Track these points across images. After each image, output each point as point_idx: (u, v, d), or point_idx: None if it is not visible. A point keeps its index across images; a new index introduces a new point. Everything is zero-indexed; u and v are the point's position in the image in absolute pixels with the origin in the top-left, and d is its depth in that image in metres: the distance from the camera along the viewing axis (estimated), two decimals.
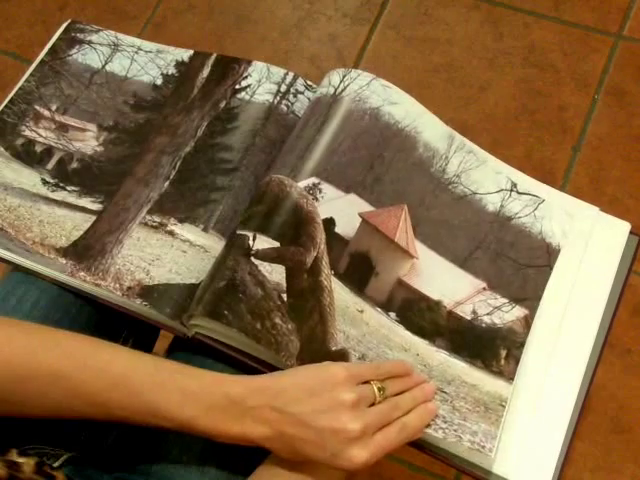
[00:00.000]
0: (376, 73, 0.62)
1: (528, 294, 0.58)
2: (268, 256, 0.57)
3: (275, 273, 0.56)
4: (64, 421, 0.61)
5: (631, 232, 0.61)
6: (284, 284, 0.56)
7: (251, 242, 0.57)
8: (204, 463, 0.57)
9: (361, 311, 0.57)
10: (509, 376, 0.55)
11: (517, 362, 0.56)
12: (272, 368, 0.54)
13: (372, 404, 0.50)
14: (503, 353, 0.56)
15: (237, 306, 0.54)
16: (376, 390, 0.50)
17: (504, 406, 0.53)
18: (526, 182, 0.63)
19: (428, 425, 0.52)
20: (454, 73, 1.26)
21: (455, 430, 0.52)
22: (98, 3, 1.39)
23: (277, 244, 0.57)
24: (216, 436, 0.49)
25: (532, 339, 0.56)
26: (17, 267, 0.63)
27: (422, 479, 1.02)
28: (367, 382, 0.51)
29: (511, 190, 0.63)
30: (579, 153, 1.17)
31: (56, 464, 0.57)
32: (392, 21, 1.31)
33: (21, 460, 0.51)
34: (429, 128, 0.63)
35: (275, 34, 1.33)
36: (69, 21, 0.75)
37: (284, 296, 0.56)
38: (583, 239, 0.60)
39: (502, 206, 0.62)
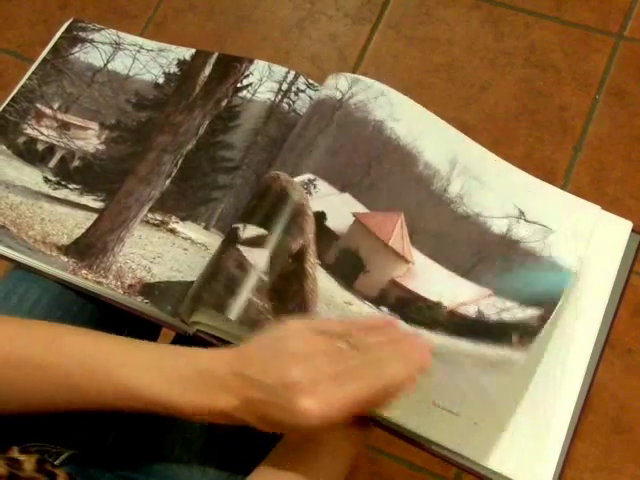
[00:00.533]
0: (377, 73, 0.63)
1: (543, 301, 0.57)
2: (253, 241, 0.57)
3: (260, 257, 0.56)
4: (65, 419, 0.61)
5: (633, 231, 0.61)
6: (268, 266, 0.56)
7: (240, 232, 0.57)
8: (205, 462, 0.57)
9: (349, 303, 0.57)
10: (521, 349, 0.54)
11: (532, 339, 0.54)
12: None
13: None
14: (515, 338, 0.55)
15: (230, 296, 0.54)
16: (337, 342, 0.46)
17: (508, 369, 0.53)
18: (534, 209, 0.61)
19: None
20: (455, 73, 1.26)
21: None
22: (99, 2, 1.39)
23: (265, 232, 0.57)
24: (187, 411, 0.47)
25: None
26: (19, 265, 0.63)
27: (422, 478, 1.02)
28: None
29: (518, 217, 0.62)
30: (580, 153, 1.17)
31: (57, 462, 0.57)
32: (393, 21, 1.31)
33: (22, 458, 0.51)
34: (430, 150, 0.63)
35: (276, 34, 1.33)
36: (71, 20, 0.75)
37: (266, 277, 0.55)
38: (584, 238, 0.60)
39: (509, 230, 0.61)
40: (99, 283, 0.60)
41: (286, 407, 0.44)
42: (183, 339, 0.59)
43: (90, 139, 0.69)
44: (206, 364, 0.47)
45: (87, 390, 0.48)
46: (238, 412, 0.46)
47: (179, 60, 0.72)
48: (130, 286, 0.60)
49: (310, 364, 0.44)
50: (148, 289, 0.59)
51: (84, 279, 0.60)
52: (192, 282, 0.59)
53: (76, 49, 0.73)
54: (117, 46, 0.73)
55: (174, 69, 0.72)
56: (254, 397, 0.45)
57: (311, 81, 0.69)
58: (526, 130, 1.20)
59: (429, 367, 0.46)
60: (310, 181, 0.60)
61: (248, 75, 0.69)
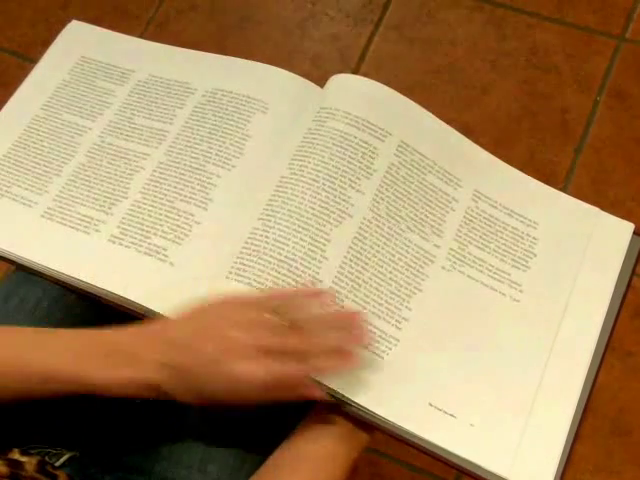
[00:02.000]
0: (378, 74, 0.62)
1: None
2: None
3: None
4: (66, 420, 0.61)
5: (635, 233, 0.61)
6: None
7: None
8: (205, 463, 0.57)
9: None
10: None
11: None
12: None
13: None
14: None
15: None
16: (274, 317, 0.45)
17: None
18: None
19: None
20: (456, 74, 1.26)
21: None
22: (100, 2, 1.39)
23: None
24: (110, 388, 0.46)
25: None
26: (19, 267, 0.63)
27: None
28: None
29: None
30: (581, 155, 1.17)
31: (57, 463, 0.57)
32: (394, 22, 1.31)
33: (23, 459, 0.51)
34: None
35: (277, 34, 1.33)
36: (71, 21, 0.75)
37: None
38: (584, 240, 0.60)
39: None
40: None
41: (224, 372, 0.43)
42: None
43: None
44: (127, 338, 0.47)
45: (12, 380, 0.48)
46: (165, 384, 0.45)
47: None
48: None
49: (250, 333, 0.44)
50: None
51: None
52: None
53: None
54: None
55: None
56: (180, 362, 0.44)
57: None
58: (527, 132, 1.20)
59: (368, 342, 0.48)
60: None
61: None
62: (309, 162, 0.58)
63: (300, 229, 0.55)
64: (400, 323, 0.55)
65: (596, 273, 0.59)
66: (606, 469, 1.00)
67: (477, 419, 0.53)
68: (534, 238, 0.60)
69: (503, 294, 0.58)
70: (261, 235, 0.56)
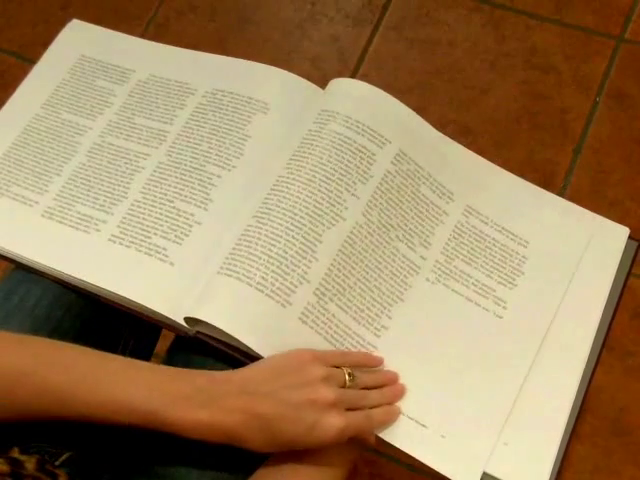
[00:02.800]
0: (378, 75, 0.62)
1: None
2: None
3: None
4: (65, 420, 0.61)
5: (630, 237, 0.61)
6: None
7: None
8: (205, 464, 0.57)
9: None
10: None
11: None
12: None
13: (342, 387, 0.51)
14: None
15: None
16: (346, 374, 0.51)
17: None
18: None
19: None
20: (455, 75, 1.26)
21: None
22: (100, 3, 1.39)
23: None
24: (185, 428, 0.48)
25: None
26: (19, 266, 0.63)
27: None
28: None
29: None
30: (580, 155, 1.17)
31: (57, 462, 0.57)
32: (394, 22, 1.31)
33: (23, 458, 0.51)
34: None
35: (277, 35, 1.33)
36: (72, 21, 0.75)
37: None
38: (579, 246, 0.60)
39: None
40: None
41: (306, 421, 0.47)
42: (183, 340, 0.59)
43: None
44: (209, 382, 0.49)
45: (87, 404, 0.50)
46: (242, 428, 0.48)
47: None
48: None
49: (333, 387, 0.49)
50: None
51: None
52: None
53: None
54: None
55: None
56: (264, 412, 0.48)
57: None
58: (526, 132, 1.20)
59: (399, 415, 0.53)
60: None
61: None
62: (307, 163, 0.58)
63: (293, 227, 0.55)
64: (379, 331, 0.56)
65: (591, 276, 0.59)
66: (605, 469, 1.00)
67: (449, 430, 0.53)
68: (523, 257, 0.59)
69: (486, 310, 0.57)
70: (254, 232, 0.56)
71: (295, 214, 0.56)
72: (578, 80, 1.22)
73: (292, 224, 0.55)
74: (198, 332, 0.56)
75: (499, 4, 1.30)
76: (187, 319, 0.56)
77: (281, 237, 0.55)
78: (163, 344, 0.70)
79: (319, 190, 0.57)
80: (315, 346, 0.53)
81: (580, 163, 1.16)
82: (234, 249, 0.56)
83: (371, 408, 0.52)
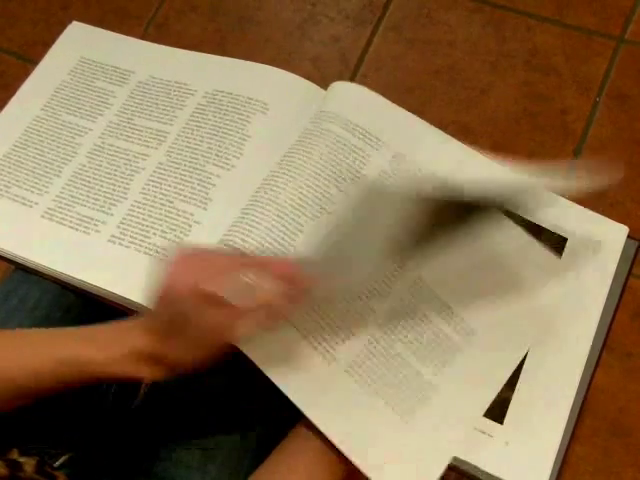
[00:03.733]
0: (378, 75, 0.62)
1: None
2: None
3: None
4: (65, 421, 0.61)
5: (629, 236, 0.61)
6: None
7: None
8: (205, 464, 0.57)
9: None
10: None
11: None
12: None
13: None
14: None
15: None
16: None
17: None
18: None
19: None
20: (456, 75, 1.26)
21: None
22: (101, 3, 1.39)
23: None
24: (113, 367, 0.49)
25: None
26: (19, 266, 0.63)
27: None
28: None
29: None
30: (580, 156, 1.17)
31: (56, 464, 0.57)
32: (394, 23, 1.31)
33: (22, 460, 0.51)
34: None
35: (278, 35, 1.33)
36: (72, 23, 0.75)
37: None
38: (577, 242, 0.60)
39: None
40: None
41: (225, 324, 0.46)
42: None
43: None
44: (126, 324, 0.50)
45: (32, 363, 0.50)
46: (158, 346, 0.48)
47: None
48: None
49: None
50: None
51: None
52: None
53: None
54: None
55: None
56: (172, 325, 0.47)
57: None
58: (527, 133, 1.20)
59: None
60: None
61: None
62: (298, 158, 0.58)
63: (275, 217, 0.55)
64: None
65: (590, 275, 0.59)
66: (605, 470, 1.00)
67: (512, 437, 0.53)
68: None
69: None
70: (238, 222, 0.56)
71: (279, 204, 0.56)
72: (578, 81, 1.22)
73: (274, 213, 0.56)
74: None
75: (499, 5, 1.30)
76: None
77: (261, 224, 0.55)
78: None
79: (306, 184, 0.57)
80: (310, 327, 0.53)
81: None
82: (220, 240, 0.56)
83: None
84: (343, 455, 0.52)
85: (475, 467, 0.52)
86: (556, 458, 0.52)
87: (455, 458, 0.52)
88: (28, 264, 0.61)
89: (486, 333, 0.57)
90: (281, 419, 0.55)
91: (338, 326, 0.54)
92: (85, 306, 0.63)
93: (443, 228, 0.49)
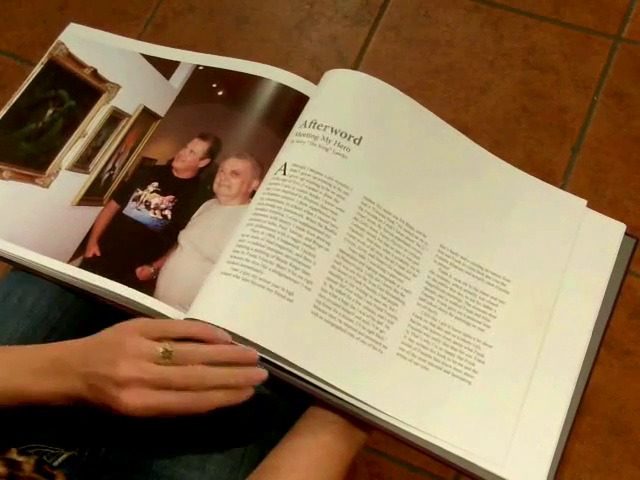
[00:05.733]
0: (376, 74, 0.62)
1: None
2: None
3: None
4: (63, 420, 0.61)
5: (627, 234, 0.60)
6: None
7: None
8: (204, 462, 0.57)
9: None
10: None
11: None
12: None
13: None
14: None
15: None
16: (160, 349, 0.49)
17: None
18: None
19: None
20: (454, 75, 1.26)
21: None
22: (98, 3, 1.39)
23: None
24: (44, 399, 0.51)
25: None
26: (17, 266, 0.63)
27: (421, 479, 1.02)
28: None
29: None
30: (578, 154, 1.17)
31: (55, 463, 0.57)
32: (392, 22, 1.31)
33: (21, 459, 0.51)
34: None
35: (276, 35, 1.33)
36: (70, 25, 0.75)
37: None
38: (571, 234, 0.60)
39: None
40: None
41: (111, 396, 0.48)
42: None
43: None
44: (59, 354, 0.52)
45: None
46: (84, 395, 0.50)
47: None
48: None
49: (136, 364, 0.49)
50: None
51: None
52: None
53: None
54: None
55: None
56: (92, 383, 0.49)
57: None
58: (525, 132, 1.20)
59: (263, 379, 0.50)
60: None
61: None
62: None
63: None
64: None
65: (587, 273, 0.58)
66: (605, 468, 1.00)
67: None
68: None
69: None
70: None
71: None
72: (576, 79, 1.22)
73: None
74: None
75: (497, 4, 1.30)
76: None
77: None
78: None
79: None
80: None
81: (579, 162, 1.16)
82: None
83: (218, 386, 0.49)
84: (345, 450, 0.52)
85: (474, 465, 0.52)
86: (555, 455, 0.52)
87: (455, 456, 0.52)
88: (26, 264, 0.61)
89: (519, 277, 0.58)
90: (281, 417, 0.55)
91: (379, 315, 0.55)
92: (84, 306, 0.63)
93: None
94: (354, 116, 0.60)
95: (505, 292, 0.57)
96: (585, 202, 0.61)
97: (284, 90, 0.66)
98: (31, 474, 0.49)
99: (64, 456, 0.58)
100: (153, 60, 0.71)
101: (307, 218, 0.55)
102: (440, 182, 0.60)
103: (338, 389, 0.51)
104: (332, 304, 0.54)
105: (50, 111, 0.69)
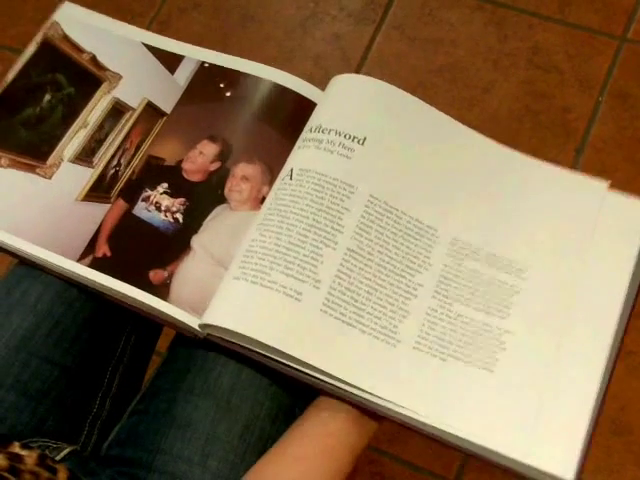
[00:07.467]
0: (380, 73, 0.62)
1: None
2: None
3: None
4: (66, 415, 0.61)
5: None
6: None
7: None
8: (206, 458, 0.57)
9: None
10: None
11: None
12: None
13: None
14: None
15: None
16: None
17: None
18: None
19: None
20: (458, 74, 1.26)
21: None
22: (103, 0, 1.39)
23: None
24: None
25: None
26: (22, 260, 0.63)
27: (423, 479, 1.02)
28: None
29: None
30: (582, 155, 1.17)
31: (58, 457, 0.57)
32: (396, 21, 1.31)
33: (23, 453, 0.51)
34: None
35: (280, 33, 1.33)
36: (65, 3, 0.73)
37: None
38: (592, 215, 0.58)
39: None
40: None
41: None
42: (183, 338, 0.59)
43: None
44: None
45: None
46: None
47: None
48: None
49: None
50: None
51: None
52: None
53: None
54: None
55: None
56: None
57: None
58: (529, 132, 1.20)
59: None
60: None
61: None
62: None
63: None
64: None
65: (612, 254, 0.56)
66: (607, 468, 1.00)
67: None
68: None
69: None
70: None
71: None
72: (580, 80, 1.22)
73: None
74: (209, 335, 0.56)
75: (501, 3, 1.30)
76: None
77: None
78: (163, 340, 0.70)
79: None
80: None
81: (582, 163, 1.16)
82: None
83: None
84: (354, 439, 0.52)
85: (499, 454, 0.50)
86: (584, 441, 0.51)
87: (480, 447, 0.50)
88: (31, 257, 0.61)
89: (538, 262, 0.57)
90: (282, 413, 0.55)
91: (392, 310, 0.54)
92: (87, 302, 0.63)
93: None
94: (357, 117, 0.60)
95: (524, 279, 0.56)
96: (607, 184, 0.60)
97: (295, 97, 0.65)
98: (33, 467, 0.49)
99: (66, 450, 0.58)
100: (156, 52, 0.70)
101: (313, 219, 0.56)
102: (450, 176, 0.60)
103: (350, 384, 0.51)
104: (342, 301, 0.54)
105: (48, 96, 0.68)
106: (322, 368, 0.51)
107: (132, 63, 0.70)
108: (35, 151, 0.66)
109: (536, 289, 0.56)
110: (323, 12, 1.34)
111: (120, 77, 0.69)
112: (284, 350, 0.51)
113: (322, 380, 0.52)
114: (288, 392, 0.59)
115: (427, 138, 0.61)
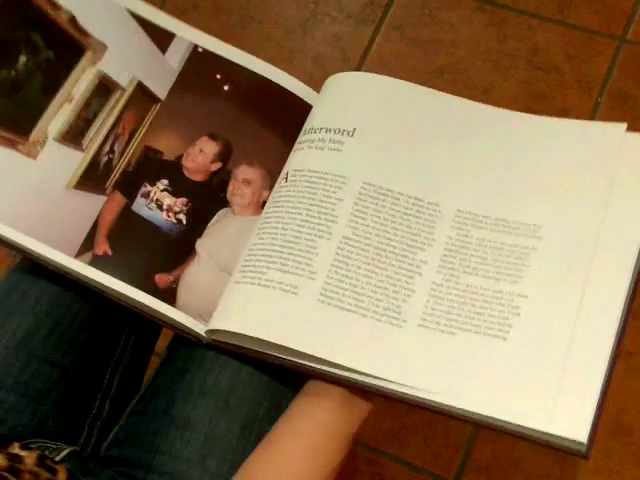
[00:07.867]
0: (380, 74, 0.62)
1: None
2: None
3: None
4: (65, 416, 0.61)
5: None
6: None
7: None
8: (205, 458, 0.57)
9: None
10: None
11: None
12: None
13: None
14: None
15: None
16: None
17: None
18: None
19: None
20: (458, 74, 1.26)
21: None
22: None
23: None
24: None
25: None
26: (25, 255, 0.62)
27: (423, 479, 1.02)
28: None
29: None
30: None
31: (57, 458, 0.57)
32: (396, 22, 1.32)
33: (23, 453, 0.51)
34: None
35: (280, 34, 1.33)
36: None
37: None
38: (610, 163, 0.55)
39: None
40: None
41: None
42: (182, 338, 0.59)
43: None
44: None
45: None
46: None
47: None
48: None
49: None
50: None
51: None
52: None
53: None
54: None
55: None
56: None
57: None
58: None
59: None
60: None
61: None
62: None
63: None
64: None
65: (632, 202, 0.53)
66: (606, 469, 1.00)
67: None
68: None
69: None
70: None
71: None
72: (580, 80, 1.22)
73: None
74: (214, 340, 0.56)
75: (501, 4, 1.30)
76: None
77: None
78: (162, 341, 0.70)
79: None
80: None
81: None
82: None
83: None
84: (344, 427, 0.52)
85: (517, 424, 0.48)
86: (597, 406, 0.47)
87: (496, 419, 0.48)
88: (32, 253, 0.58)
89: (552, 220, 0.54)
90: (281, 413, 0.55)
91: (394, 291, 0.54)
92: (86, 303, 0.63)
93: None
94: (345, 111, 0.60)
95: (537, 238, 0.54)
96: (624, 126, 0.58)
97: (295, 99, 0.65)
98: (33, 468, 0.49)
99: (66, 451, 0.58)
100: (143, 24, 0.65)
101: (307, 214, 0.56)
102: (448, 149, 0.59)
103: (359, 372, 0.51)
104: (339, 289, 0.53)
105: (23, 58, 0.62)
106: (328, 359, 0.51)
107: (118, 33, 0.64)
108: (14, 123, 0.60)
109: (552, 246, 0.53)
110: (323, 13, 1.35)
111: (105, 47, 0.64)
112: (287, 345, 0.51)
113: (328, 372, 0.51)
114: (287, 391, 0.59)
115: (424, 118, 0.60)
